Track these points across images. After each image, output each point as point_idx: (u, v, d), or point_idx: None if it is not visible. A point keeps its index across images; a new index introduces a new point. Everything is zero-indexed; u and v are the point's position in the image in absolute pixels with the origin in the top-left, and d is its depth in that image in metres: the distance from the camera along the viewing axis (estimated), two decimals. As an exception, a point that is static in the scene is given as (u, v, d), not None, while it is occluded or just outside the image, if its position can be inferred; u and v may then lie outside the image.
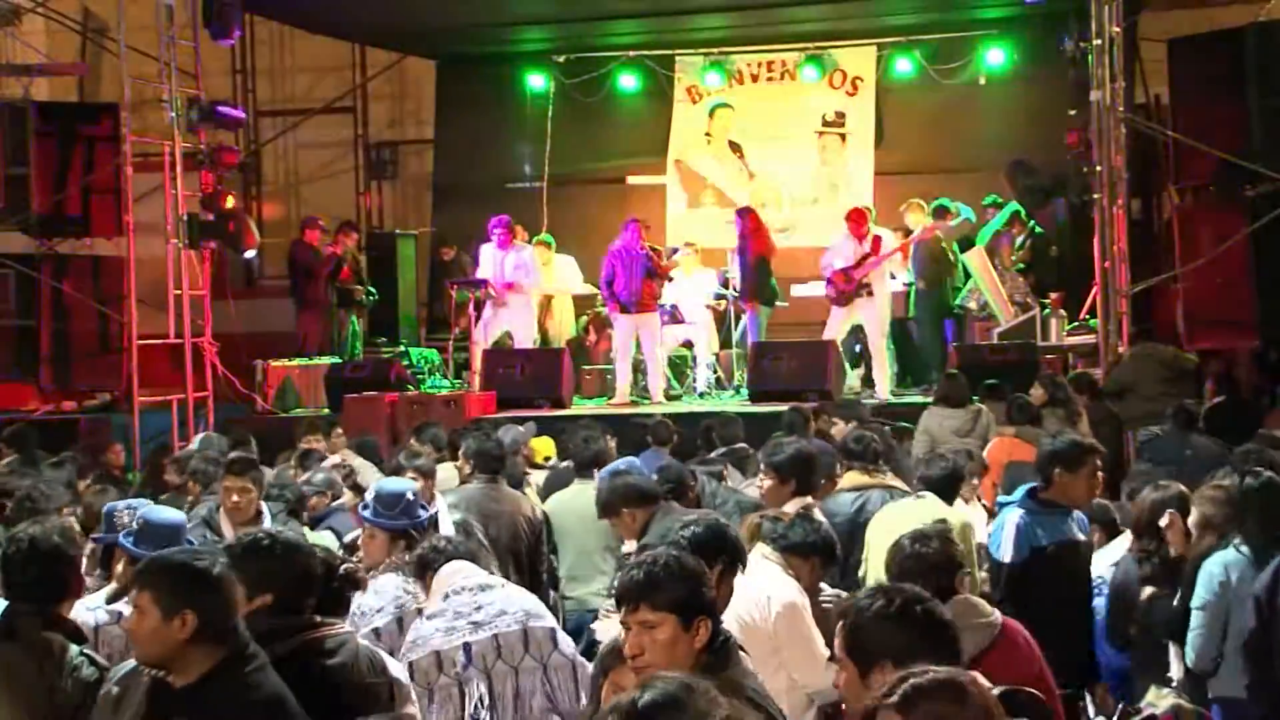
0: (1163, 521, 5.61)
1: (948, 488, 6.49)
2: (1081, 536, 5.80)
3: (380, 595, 5.16)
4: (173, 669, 3.68)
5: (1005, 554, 5.63)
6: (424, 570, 5.02)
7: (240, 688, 3.63)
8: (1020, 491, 5.84)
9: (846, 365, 13.32)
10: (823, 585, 5.28)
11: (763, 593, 4.67)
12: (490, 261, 13.85)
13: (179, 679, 3.67)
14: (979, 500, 7.76)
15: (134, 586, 3.80)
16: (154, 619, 3.65)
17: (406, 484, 5.70)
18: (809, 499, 6.23)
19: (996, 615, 4.35)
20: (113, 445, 11.48)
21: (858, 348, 13.88)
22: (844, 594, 5.27)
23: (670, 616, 3.41)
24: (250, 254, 14.25)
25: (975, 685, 2.55)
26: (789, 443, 6.68)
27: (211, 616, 3.66)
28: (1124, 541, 6.16)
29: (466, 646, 4.77)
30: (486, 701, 4.77)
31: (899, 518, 6.32)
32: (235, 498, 6.47)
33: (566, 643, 4.96)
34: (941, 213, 13.90)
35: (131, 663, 3.85)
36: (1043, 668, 4.29)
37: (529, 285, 13.95)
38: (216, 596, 3.70)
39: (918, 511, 6.26)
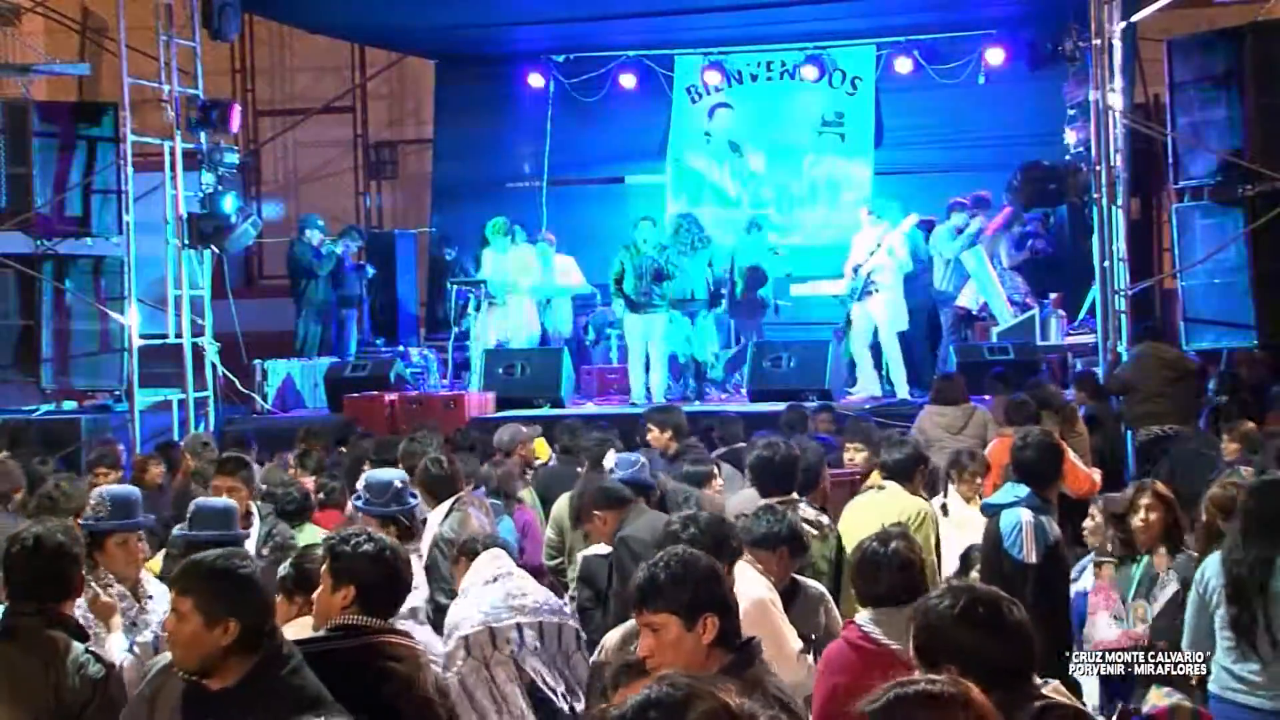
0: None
1: (908, 471, 6.60)
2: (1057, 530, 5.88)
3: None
4: (209, 673, 3.59)
5: (1031, 555, 5.65)
6: (470, 555, 5.42)
7: (279, 690, 3.55)
8: (1017, 492, 5.85)
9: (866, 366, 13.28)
10: (801, 579, 5.33)
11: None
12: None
13: (216, 682, 3.59)
14: (980, 500, 7.74)
15: (174, 589, 3.73)
16: (195, 625, 3.57)
17: (394, 473, 6.03)
18: (793, 496, 6.24)
19: None
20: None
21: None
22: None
23: (672, 618, 3.52)
24: (216, 250, 14.08)
25: (970, 704, 2.44)
26: (763, 445, 6.68)
27: (252, 622, 3.59)
28: None
29: (519, 628, 5.13)
30: (544, 679, 5.13)
31: (864, 510, 6.43)
32: (225, 496, 6.47)
33: (584, 645, 5.31)
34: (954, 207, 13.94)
35: (164, 659, 3.79)
36: None
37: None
38: (258, 602, 3.65)
39: (880, 502, 6.46)
